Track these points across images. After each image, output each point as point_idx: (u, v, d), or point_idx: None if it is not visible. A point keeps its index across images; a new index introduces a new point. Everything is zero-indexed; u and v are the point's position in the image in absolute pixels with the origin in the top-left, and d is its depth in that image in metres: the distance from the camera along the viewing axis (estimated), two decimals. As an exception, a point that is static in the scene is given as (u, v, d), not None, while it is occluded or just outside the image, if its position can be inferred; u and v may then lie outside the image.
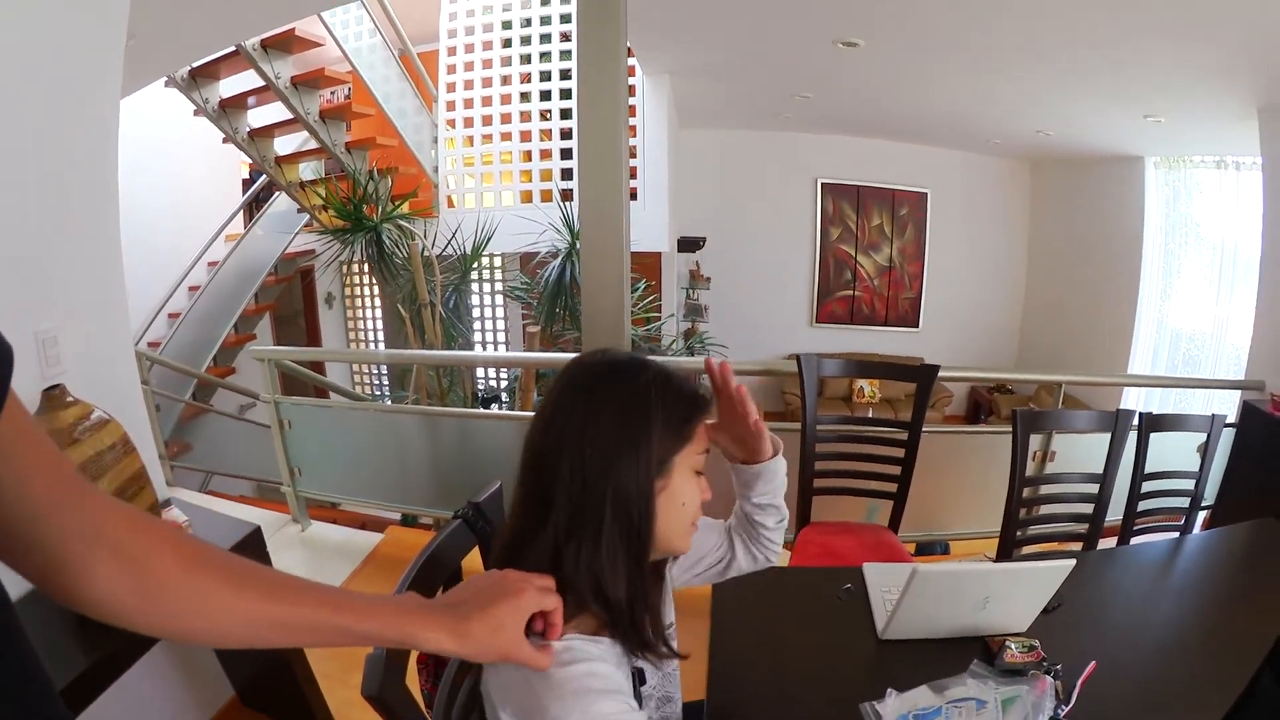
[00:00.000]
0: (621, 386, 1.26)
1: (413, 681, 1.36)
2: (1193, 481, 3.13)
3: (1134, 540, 3.08)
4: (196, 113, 7.59)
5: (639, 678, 1.30)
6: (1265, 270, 5.38)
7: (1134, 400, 8.26)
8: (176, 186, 9.10)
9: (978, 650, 1.88)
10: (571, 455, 1.21)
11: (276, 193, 9.61)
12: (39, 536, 0.82)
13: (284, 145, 8.54)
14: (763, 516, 1.71)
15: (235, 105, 7.68)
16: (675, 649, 1.38)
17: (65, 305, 2.30)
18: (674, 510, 1.28)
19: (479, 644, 1.06)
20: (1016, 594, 1.91)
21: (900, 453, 3.25)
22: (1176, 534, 3.09)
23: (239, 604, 0.94)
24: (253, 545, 2.45)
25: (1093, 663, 1.83)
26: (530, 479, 1.26)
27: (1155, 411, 3.17)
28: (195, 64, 6.96)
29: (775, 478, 1.67)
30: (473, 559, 1.59)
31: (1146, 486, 3.08)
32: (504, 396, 8.36)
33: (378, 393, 11.65)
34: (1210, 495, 3.85)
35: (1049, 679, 1.75)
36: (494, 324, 11.22)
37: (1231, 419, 4.24)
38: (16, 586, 0.93)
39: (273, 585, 0.97)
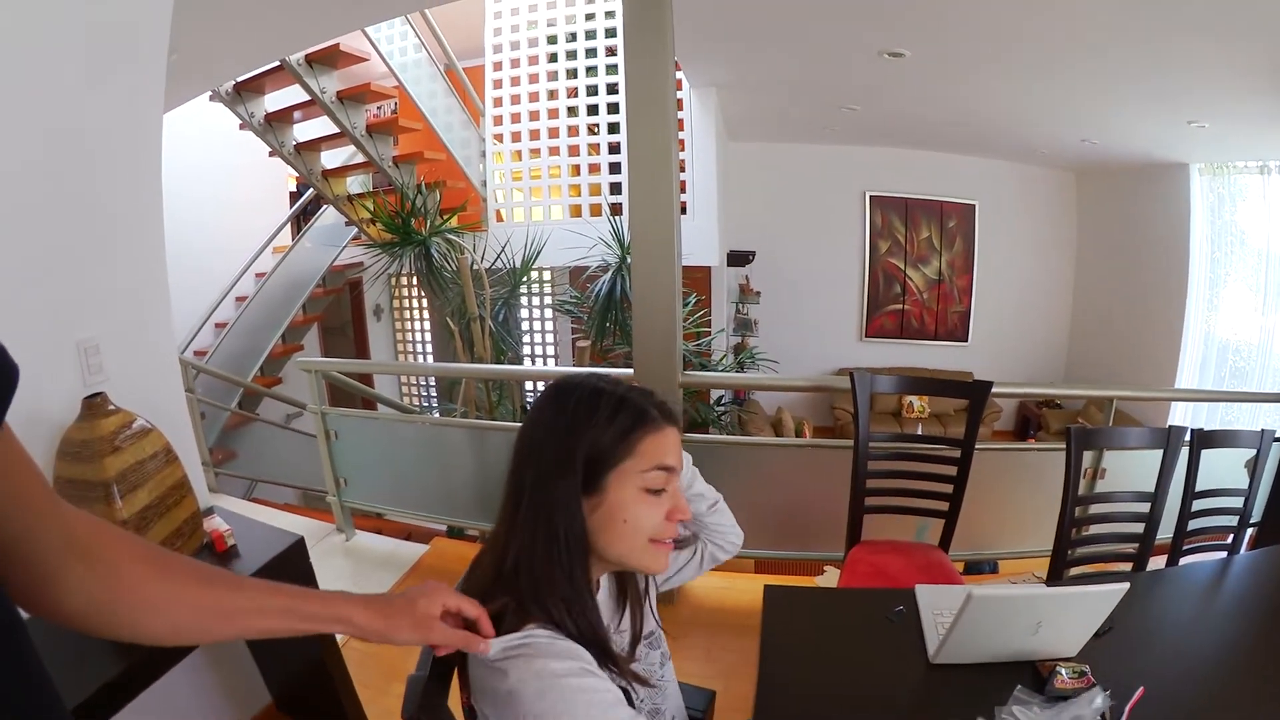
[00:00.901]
0: (560, 400, 1.35)
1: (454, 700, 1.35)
2: (1241, 499, 3.06)
3: (1182, 560, 3.01)
4: (242, 127, 7.68)
5: (627, 697, 1.29)
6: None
7: (1180, 415, 8.15)
8: (224, 198, 9.25)
9: (1027, 676, 1.83)
10: (516, 462, 1.35)
11: (324, 206, 9.69)
12: (20, 551, 0.86)
13: (331, 159, 8.62)
14: (693, 508, 1.72)
15: (281, 119, 7.77)
16: (640, 674, 1.43)
17: (108, 315, 2.32)
18: (614, 526, 1.31)
19: (394, 619, 1.20)
20: (1069, 618, 1.86)
21: (952, 470, 3.19)
22: (1224, 553, 3.02)
23: (203, 599, 1.04)
24: (296, 556, 2.46)
25: (1140, 689, 1.78)
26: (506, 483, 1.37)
27: (1203, 426, 3.11)
28: (240, 79, 7.03)
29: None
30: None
31: (1196, 505, 3.01)
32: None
33: (426, 405, 11.66)
34: (1257, 513, 3.78)
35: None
36: (543, 338, 11.20)
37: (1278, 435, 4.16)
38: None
39: (231, 579, 1.11)
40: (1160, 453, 2.88)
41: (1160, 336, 9.23)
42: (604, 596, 1.47)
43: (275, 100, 7.70)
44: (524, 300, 10.26)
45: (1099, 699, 1.65)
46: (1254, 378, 8.06)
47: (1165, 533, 3.00)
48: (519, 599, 1.27)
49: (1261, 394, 7.12)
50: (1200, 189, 8.68)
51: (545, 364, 11.23)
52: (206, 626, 1.06)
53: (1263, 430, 3.04)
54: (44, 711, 0.83)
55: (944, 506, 3.22)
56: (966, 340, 11.59)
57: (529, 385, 8.02)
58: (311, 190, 9.24)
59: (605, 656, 1.28)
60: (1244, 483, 3.05)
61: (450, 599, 1.26)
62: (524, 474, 1.32)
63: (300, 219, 10.35)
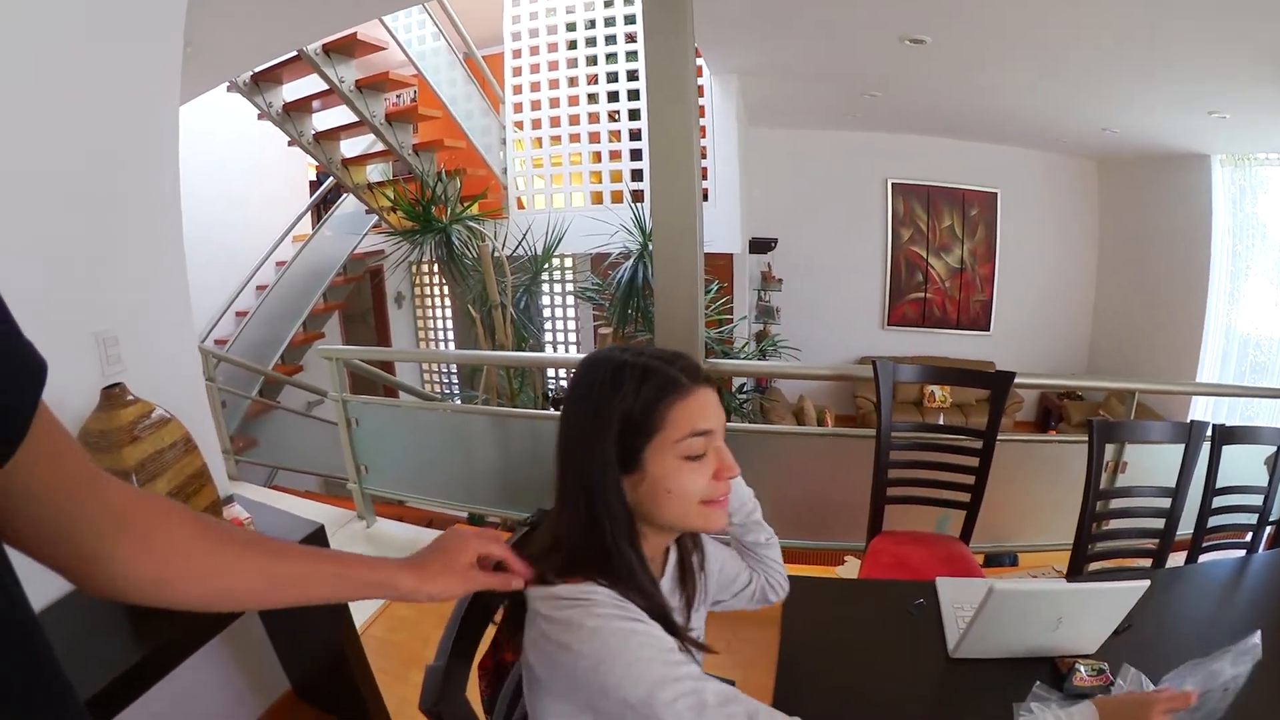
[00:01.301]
0: (586, 380, 1.34)
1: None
2: (1261, 497, 3.03)
3: (1202, 558, 2.99)
4: (260, 117, 7.69)
5: None
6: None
7: (1201, 409, 8.11)
8: (244, 188, 9.28)
9: (1046, 672, 1.82)
10: (558, 444, 1.37)
11: (344, 194, 9.70)
12: (72, 534, 0.85)
13: (350, 148, 8.63)
14: (748, 535, 1.78)
15: (299, 109, 7.80)
16: (699, 642, 1.45)
17: (126, 305, 2.35)
18: (661, 498, 1.31)
19: (438, 578, 1.22)
20: (1090, 615, 1.86)
21: (974, 461, 3.18)
22: (1244, 551, 3.00)
23: (247, 565, 1.04)
24: (315, 543, 2.46)
25: (1160, 687, 1.76)
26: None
27: (1224, 420, 3.07)
28: (257, 69, 7.04)
29: (734, 498, 1.71)
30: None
31: (1217, 502, 2.98)
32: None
33: (447, 392, 11.66)
34: (1277, 510, 3.75)
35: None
36: (565, 325, 11.20)
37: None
38: (58, 588, 0.95)
39: (274, 546, 1.10)
40: (1181, 448, 2.86)
41: (1181, 329, 9.19)
42: (670, 569, 1.50)
43: (293, 90, 7.72)
44: (545, 288, 10.25)
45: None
46: (1275, 372, 8.03)
47: (1185, 529, 2.98)
48: (580, 565, 1.30)
49: (1281, 389, 7.08)
50: (1222, 180, 8.62)
51: (568, 351, 11.24)
52: (258, 594, 1.07)
53: (1284, 427, 3.02)
54: (62, 713, 0.83)
55: (965, 498, 3.21)
56: (988, 330, 11.52)
57: (550, 372, 8.03)
58: (331, 179, 9.28)
59: (665, 623, 1.29)
60: (1264, 480, 3.03)
61: (479, 544, 1.29)
62: (564, 457, 1.34)
63: (320, 208, 10.38)
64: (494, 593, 1.33)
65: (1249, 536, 3.04)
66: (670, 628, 1.28)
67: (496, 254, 7.28)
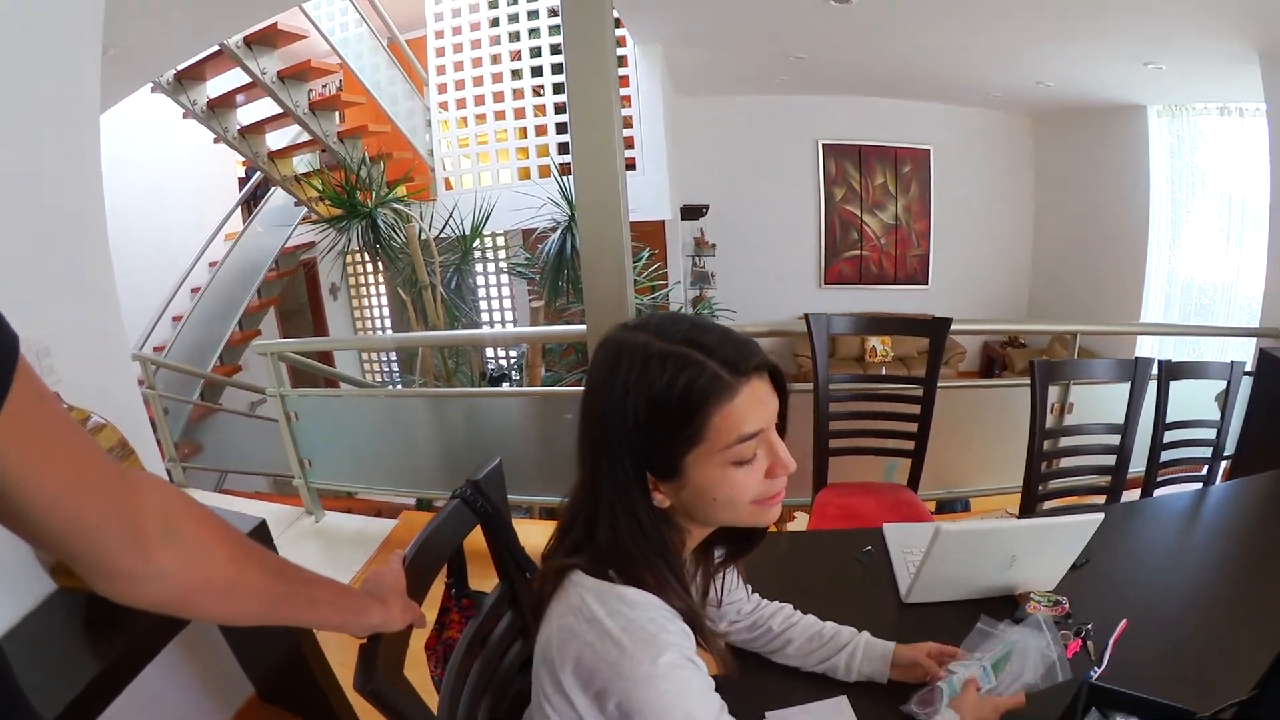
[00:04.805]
0: (610, 379, 1.17)
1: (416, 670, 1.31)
2: (1214, 431, 3.05)
3: (1157, 492, 3.01)
4: (185, 115, 7.57)
5: None
6: (1276, 215, 5.33)
7: (1147, 351, 8.20)
8: (172, 190, 9.12)
9: (1004, 610, 1.82)
10: (581, 434, 1.23)
11: (273, 188, 9.59)
12: (81, 531, 0.78)
13: (276, 140, 8.56)
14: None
15: (224, 104, 7.68)
16: (718, 644, 1.34)
17: (56, 315, 2.28)
18: (706, 504, 1.20)
19: (395, 612, 1.21)
20: (1044, 551, 1.85)
21: (916, 409, 3.18)
22: (1200, 485, 3.02)
23: (267, 585, 1.01)
24: (259, 539, 2.39)
25: (1124, 621, 1.76)
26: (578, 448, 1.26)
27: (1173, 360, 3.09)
28: (180, 67, 6.91)
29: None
30: (475, 539, 1.54)
31: (1168, 437, 3.00)
32: (514, 375, 8.34)
33: (388, 380, 11.63)
34: (1230, 446, 3.78)
35: (1080, 640, 1.69)
36: (500, 303, 11.19)
37: (1249, 368, 4.17)
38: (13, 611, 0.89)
39: (287, 567, 1.07)
40: (1128, 387, 2.88)
41: (1123, 276, 9.28)
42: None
43: (217, 86, 7.59)
44: (479, 267, 10.22)
45: (1045, 638, 1.62)
46: (1220, 316, 8.06)
47: (1138, 467, 3.00)
48: (613, 563, 1.20)
49: (1229, 328, 7.14)
50: (1159, 131, 8.71)
51: (504, 328, 11.27)
52: (268, 614, 1.03)
53: (1232, 362, 3.04)
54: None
55: (910, 446, 3.21)
56: (927, 284, 11.60)
57: (489, 351, 8.01)
58: (259, 173, 9.15)
59: (694, 626, 1.21)
60: (1215, 416, 3.05)
61: (400, 574, 1.29)
62: (589, 459, 1.22)
63: (250, 203, 10.23)
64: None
65: (1205, 470, 3.06)
66: (700, 632, 1.22)
67: (424, 236, 7.26)
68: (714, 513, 1.21)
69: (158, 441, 3.33)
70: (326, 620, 1.12)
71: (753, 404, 1.15)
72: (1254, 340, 4.97)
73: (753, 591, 1.72)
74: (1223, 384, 3.02)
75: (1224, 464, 3.53)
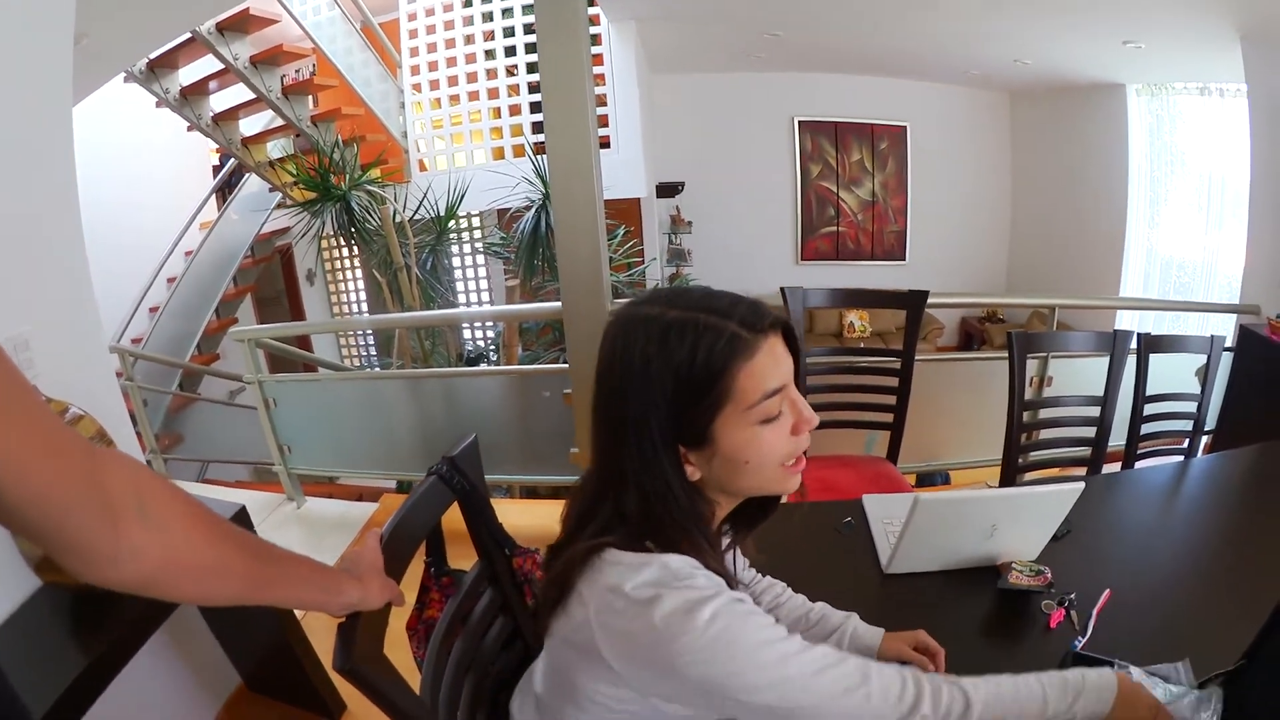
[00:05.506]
0: (628, 350, 1.16)
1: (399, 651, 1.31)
2: (1194, 405, 3.07)
3: (1139, 465, 3.02)
4: (159, 104, 7.51)
5: None
6: (1255, 195, 5.38)
7: (1127, 327, 8.21)
8: (146, 181, 9.05)
9: (986, 581, 1.82)
10: (600, 407, 1.22)
11: (247, 175, 9.55)
12: (67, 521, 0.77)
13: (250, 126, 8.48)
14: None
15: (196, 92, 7.61)
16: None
17: (34, 310, 2.27)
18: (738, 469, 1.19)
19: (373, 589, 1.21)
20: (1024, 521, 1.85)
21: (894, 382, 3.19)
22: (1181, 458, 3.04)
23: (247, 567, 1.00)
24: (240, 525, 2.40)
25: (1107, 591, 1.77)
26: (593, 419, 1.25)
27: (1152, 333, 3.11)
28: (152, 56, 6.87)
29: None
30: (453, 515, 1.54)
31: (1148, 409, 3.02)
32: (491, 355, 8.34)
33: (366, 364, 11.61)
34: (1211, 421, 3.81)
35: (1063, 610, 1.70)
36: (477, 284, 11.18)
37: (1228, 344, 4.20)
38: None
39: (266, 548, 1.06)
40: (1107, 360, 2.89)
41: (1101, 254, 9.30)
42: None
43: (189, 74, 7.54)
44: (454, 248, 10.20)
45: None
46: (1199, 293, 8.08)
47: (1119, 440, 3.01)
48: (649, 535, 1.18)
49: (1208, 304, 7.14)
50: (1138, 110, 8.70)
51: (480, 308, 11.22)
52: (244, 594, 1.01)
53: (1212, 336, 3.07)
54: None
55: (888, 419, 3.23)
56: (904, 259, 11.60)
57: (466, 332, 8.00)
58: (233, 160, 9.10)
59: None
60: (1196, 390, 3.08)
61: (379, 551, 1.29)
62: (609, 435, 1.20)
63: (225, 191, 10.16)
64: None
65: (1186, 444, 3.08)
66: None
67: (399, 218, 7.26)
68: (745, 478, 1.21)
69: (138, 434, 3.32)
70: (302, 599, 1.12)
71: (772, 361, 1.16)
72: (1233, 317, 5.00)
73: (748, 565, 1.70)
74: (1203, 358, 3.04)
75: (1205, 439, 3.55)
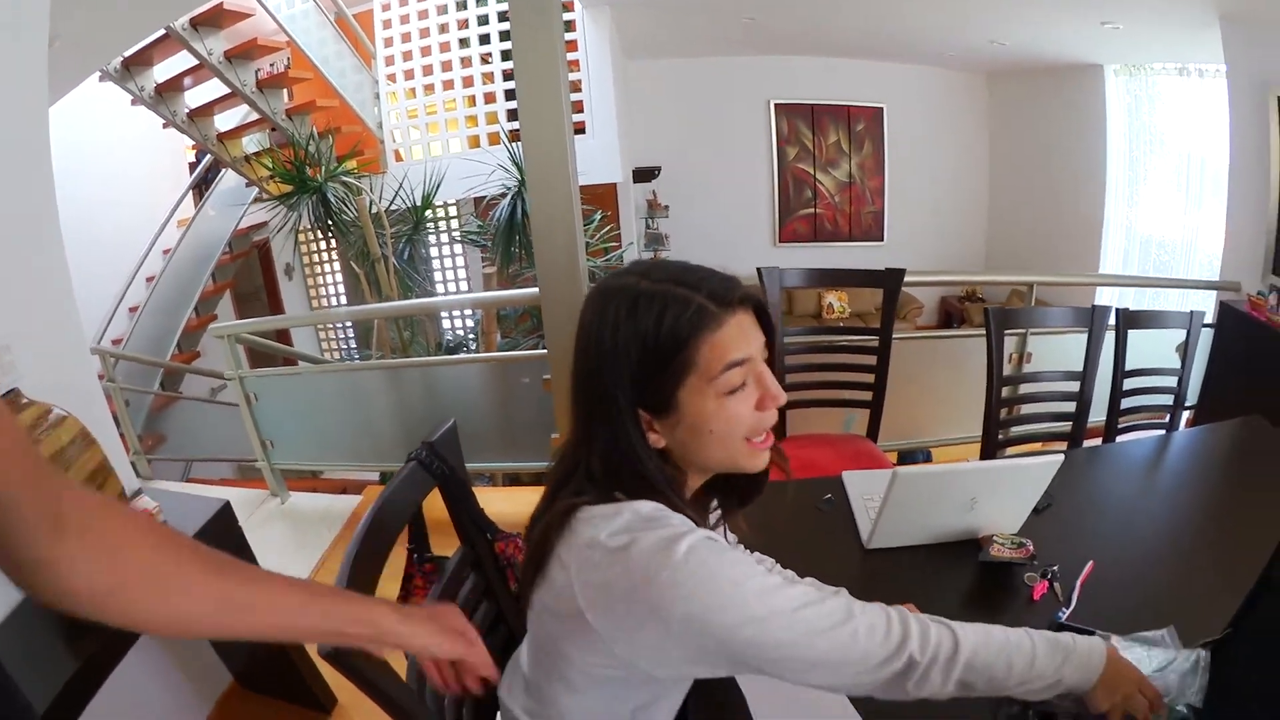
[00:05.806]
0: (600, 318, 1.19)
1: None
2: (1174, 379, 3.09)
3: (1120, 439, 3.04)
4: (134, 102, 7.48)
5: None
6: (1234, 173, 5.42)
7: (1107, 303, 8.22)
8: (122, 178, 8.97)
9: (968, 555, 1.83)
10: (575, 381, 1.24)
11: (223, 170, 9.49)
12: (5, 529, 0.77)
13: (225, 121, 8.48)
14: None
15: (171, 89, 7.58)
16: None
17: (14, 313, 2.27)
18: (703, 439, 1.20)
19: (423, 624, 1.17)
20: (1004, 493, 1.86)
21: (873, 360, 3.21)
22: (1162, 432, 3.05)
23: (215, 588, 0.95)
24: (224, 521, 2.45)
25: (1090, 562, 1.79)
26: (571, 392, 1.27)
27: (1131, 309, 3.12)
28: (127, 53, 6.83)
29: None
30: (433, 501, 1.55)
31: (1128, 385, 3.03)
32: (470, 343, 8.33)
33: (347, 357, 11.54)
34: (1191, 396, 3.83)
35: (1046, 582, 1.71)
36: (455, 272, 11.17)
37: (1208, 320, 4.23)
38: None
39: (246, 570, 1.00)
40: (1086, 336, 2.90)
41: (1080, 234, 9.36)
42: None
43: (164, 70, 7.50)
44: (431, 238, 10.17)
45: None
46: (1179, 272, 8.10)
47: (1099, 416, 3.03)
48: (617, 485, 1.20)
49: (1187, 280, 7.16)
50: (1116, 90, 8.74)
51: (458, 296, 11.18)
52: (218, 620, 0.98)
53: (1191, 312, 3.08)
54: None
55: (867, 397, 3.24)
56: (883, 240, 11.63)
57: (445, 322, 7.99)
58: (209, 156, 9.06)
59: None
60: (1176, 366, 3.09)
61: (464, 620, 1.25)
62: (582, 401, 1.24)
63: (201, 187, 10.10)
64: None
65: (1167, 418, 3.10)
66: None
67: (375, 208, 7.26)
68: (709, 450, 1.22)
69: (121, 435, 3.31)
70: (298, 625, 1.05)
71: (739, 331, 1.18)
72: (1213, 294, 5.03)
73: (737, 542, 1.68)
74: (1182, 334, 3.05)
75: (1186, 414, 3.57)
